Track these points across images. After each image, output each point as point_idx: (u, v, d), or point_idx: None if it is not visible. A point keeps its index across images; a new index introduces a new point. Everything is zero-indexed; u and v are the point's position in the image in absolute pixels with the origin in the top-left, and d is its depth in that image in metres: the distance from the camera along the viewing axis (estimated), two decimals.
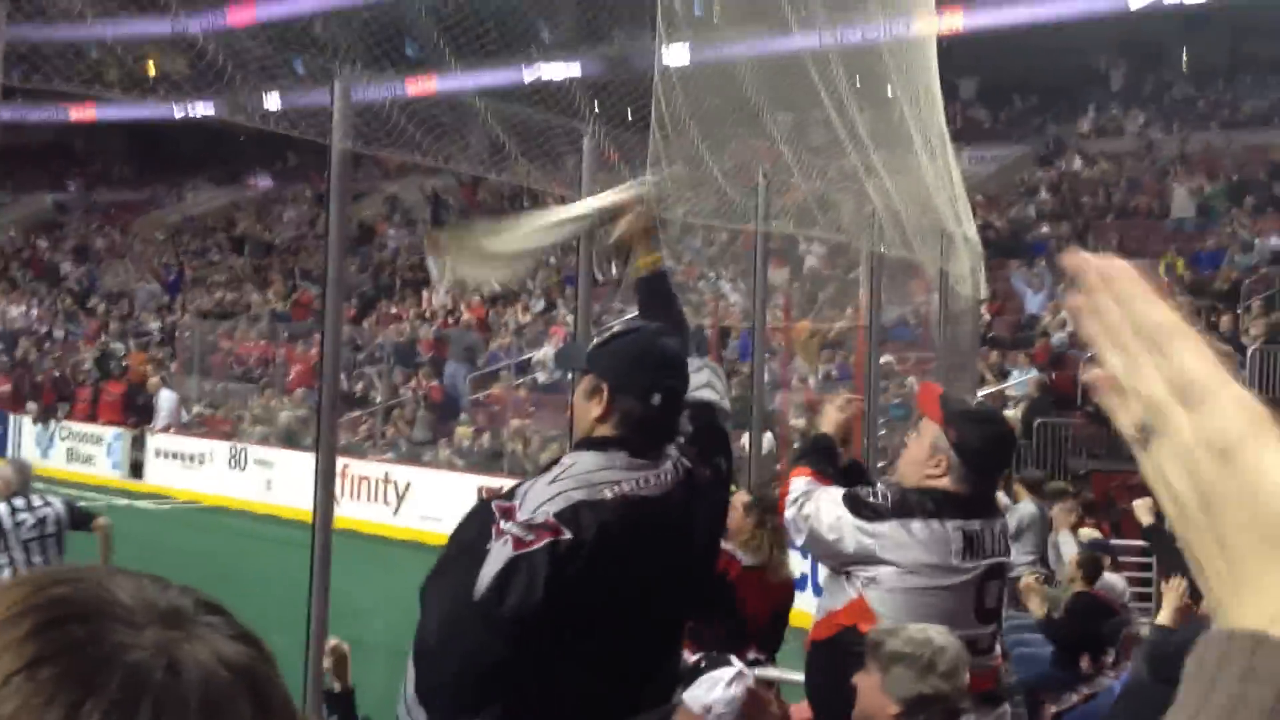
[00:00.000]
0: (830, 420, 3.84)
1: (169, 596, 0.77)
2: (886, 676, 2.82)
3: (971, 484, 3.42)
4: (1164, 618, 5.85)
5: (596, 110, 8.00)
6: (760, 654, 4.98)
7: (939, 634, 2.87)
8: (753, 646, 4.94)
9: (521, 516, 2.44)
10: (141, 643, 0.72)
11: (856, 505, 3.40)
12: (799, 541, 3.57)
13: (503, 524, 2.44)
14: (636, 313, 3.36)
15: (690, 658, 4.21)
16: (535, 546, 2.41)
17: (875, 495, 3.44)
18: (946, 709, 2.81)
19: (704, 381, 2.98)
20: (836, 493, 3.48)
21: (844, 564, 3.43)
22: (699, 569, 2.87)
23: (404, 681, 2.44)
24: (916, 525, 3.34)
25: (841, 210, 10.06)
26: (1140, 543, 11.35)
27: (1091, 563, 8.14)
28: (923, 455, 3.47)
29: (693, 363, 2.90)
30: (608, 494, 2.52)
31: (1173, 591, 5.84)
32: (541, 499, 2.48)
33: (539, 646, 2.43)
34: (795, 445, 14.53)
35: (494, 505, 2.50)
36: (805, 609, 4.93)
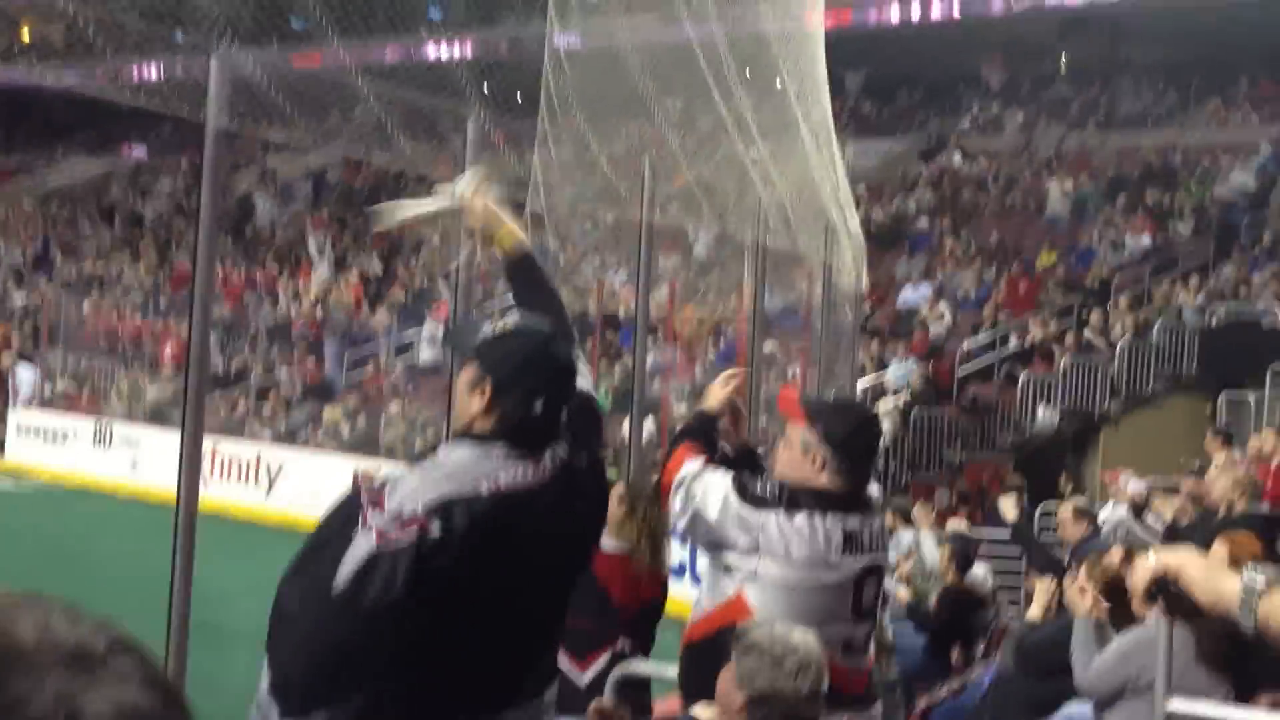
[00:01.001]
0: (715, 396, 3.80)
1: (78, 634, 0.72)
2: (739, 665, 2.82)
3: (847, 476, 3.42)
4: (1033, 613, 5.99)
5: (485, 92, 7.92)
6: (629, 644, 4.91)
7: (800, 635, 2.86)
8: (620, 637, 4.87)
9: (390, 507, 2.36)
10: (42, 693, 0.67)
11: (744, 491, 3.38)
12: (682, 523, 3.52)
13: (370, 515, 2.35)
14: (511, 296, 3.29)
15: (577, 671, 4.13)
16: (400, 541, 2.33)
17: (762, 486, 3.42)
18: (786, 710, 2.79)
19: (578, 370, 2.93)
20: (724, 476, 3.45)
21: (724, 550, 3.39)
22: (578, 559, 2.83)
23: (258, 677, 2.35)
24: (800, 518, 3.33)
25: (727, 199, 10.08)
26: (1005, 534, 11.63)
27: (961, 555, 8.30)
28: (796, 457, 3.46)
29: None
30: (483, 488, 2.46)
31: (1042, 589, 5.98)
32: (412, 492, 2.40)
33: (401, 640, 2.35)
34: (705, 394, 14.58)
35: (364, 492, 2.42)
36: (684, 598, 4.88)
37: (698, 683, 3.39)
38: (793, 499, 3.35)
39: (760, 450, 10.20)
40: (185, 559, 4.59)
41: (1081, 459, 14.40)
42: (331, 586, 2.29)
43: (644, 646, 5.01)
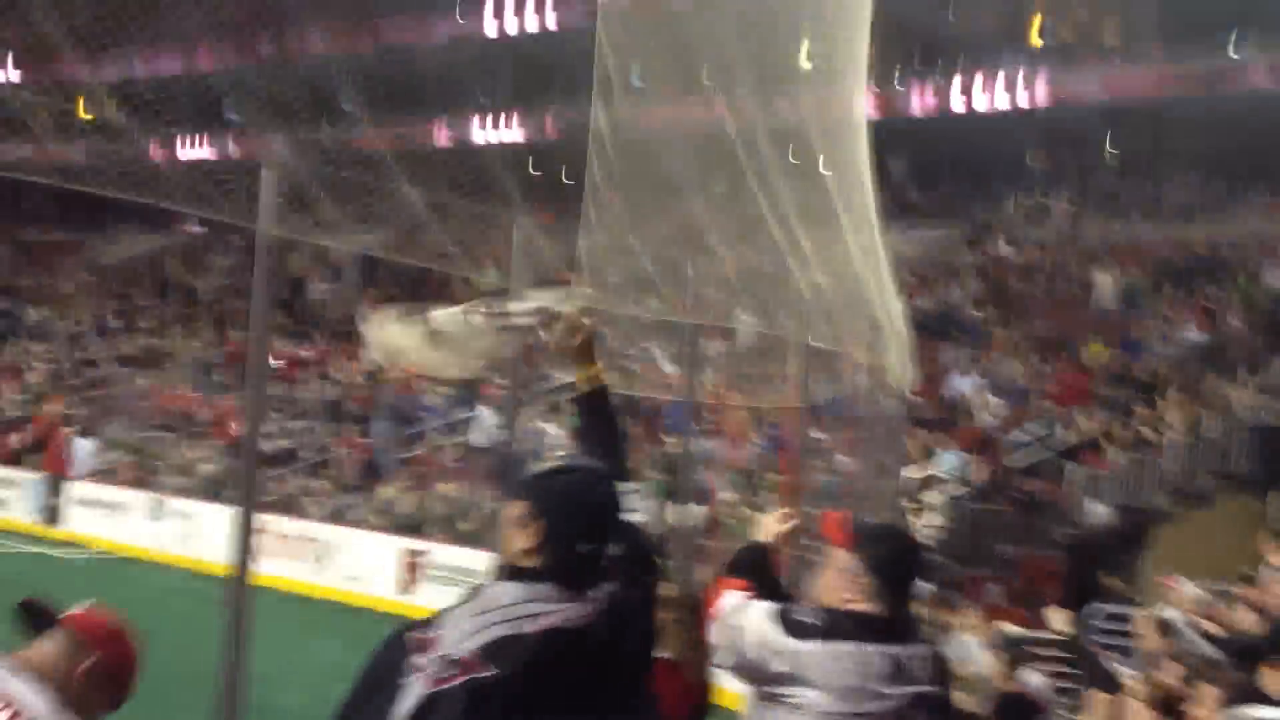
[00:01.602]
0: (768, 531, 3.81)
1: None
2: None
3: (889, 604, 3.40)
4: None
5: (532, 171, 8.03)
6: None
7: None
8: None
9: (441, 650, 2.40)
10: None
11: (786, 620, 3.35)
12: (726, 659, 3.48)
13: (418, 659, 2.40)
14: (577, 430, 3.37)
15: None
16: (454, 683, 2.36)
17: (804, 614, 3.39)
18: None
19: (631, 505, 2.94)
20: (766, 606, 3.43)
21: (768, 682, 3.35)
22: (629, 692, 2.80)
23: None
24: (845, 647, 3.29)
25: (769, 291, 10.15)
26: (1060, 633, 11.51)
27: (1014, 655, 8.21)
28: (837, 582, 3.45)
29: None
30: (530, 628, 2.47)
31: (1101, 705, 5.90)
32: (463, 632, 2.44)
33: None
34: (723, 521, 14.59)
35: (408, 637, 2.45)
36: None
37: None
38: (836, 627, 3.32)
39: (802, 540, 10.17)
40: (237, 633, 4.67)
41: (1134, 557, 14.28)
42: None
43: None
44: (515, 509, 2.64)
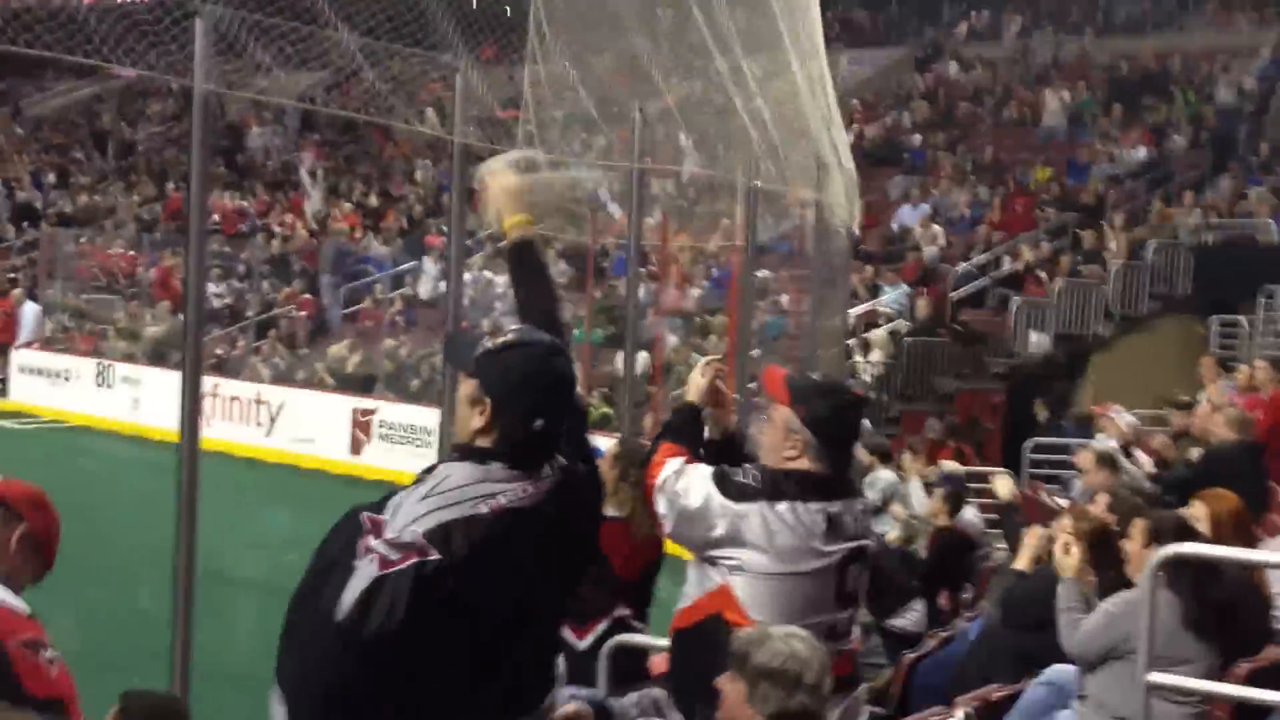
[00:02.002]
0: (695, 386, 3.76)
1: None
2: (752, 690, 2.82)
3: (829, 461, 3.43)
4: (1020, 563, 6.01)
5: (474, 6, 7.82)
6: (630, 610, 5.00)
7: (804, 644, 2.87)
8: (621, 602, 4.95)
9: (390, 534, 2.39)
10: None
11: (725, 484, 3.37)
12: (668, 525, 3.49)
13: (370, 541, 2.39)
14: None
15: (573, 638, 4.20)
16: (400, 566, 2.36)
17: (744, 475, 3.41)
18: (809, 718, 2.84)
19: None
20: (706, 470, 3.44)
21: (709, 546, 3.39)
22: (578, 566, 2.82)
23: (270, 702, 2.42)
24: (782, 507, 3.32)
25: (714, 126, 9.97)
26: (998, 469, 11.71)
27: (954, 497, 8.28)
28: (778, 439, 3.46)
29: None
30: (483, 509, 2.47)
31: (1032, 538, 5.98)
32: (412, 516, 2.43)
33: (405, 668, 2.38)
34: (670, 368, 14.63)
35: (363, 517, 2.44)
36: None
37: (686, 669, 3.50)
38: (775, 488, 3.35)
39: (750, 385, 10.20)
40: (189, 504, 4.71)
41: (1072, 384, 14.46)
42: (335, 614, 2.34)
43: (644, 605, 5.13)
44: (466, 387, 2.63)
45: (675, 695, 3.68)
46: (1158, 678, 4.33)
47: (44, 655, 2.94)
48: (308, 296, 19.21)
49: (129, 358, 18.46)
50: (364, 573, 2.36)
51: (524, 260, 3.18)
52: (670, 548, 5.03)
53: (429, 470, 2.60)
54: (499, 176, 3.26)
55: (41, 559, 3.19)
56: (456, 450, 2.64)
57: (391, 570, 2.36)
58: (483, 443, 2.58)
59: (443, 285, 17.71)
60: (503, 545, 2.46)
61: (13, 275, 21.63)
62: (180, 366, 4.98)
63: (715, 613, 3.35)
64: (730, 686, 2.87)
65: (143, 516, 8.26)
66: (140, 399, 17.18)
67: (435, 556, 2.38)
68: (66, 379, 18.43)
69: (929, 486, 9.45)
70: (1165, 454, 9.94)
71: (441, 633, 2.41)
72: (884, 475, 9.62)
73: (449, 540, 2.40)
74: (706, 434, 3.82)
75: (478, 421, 2.58)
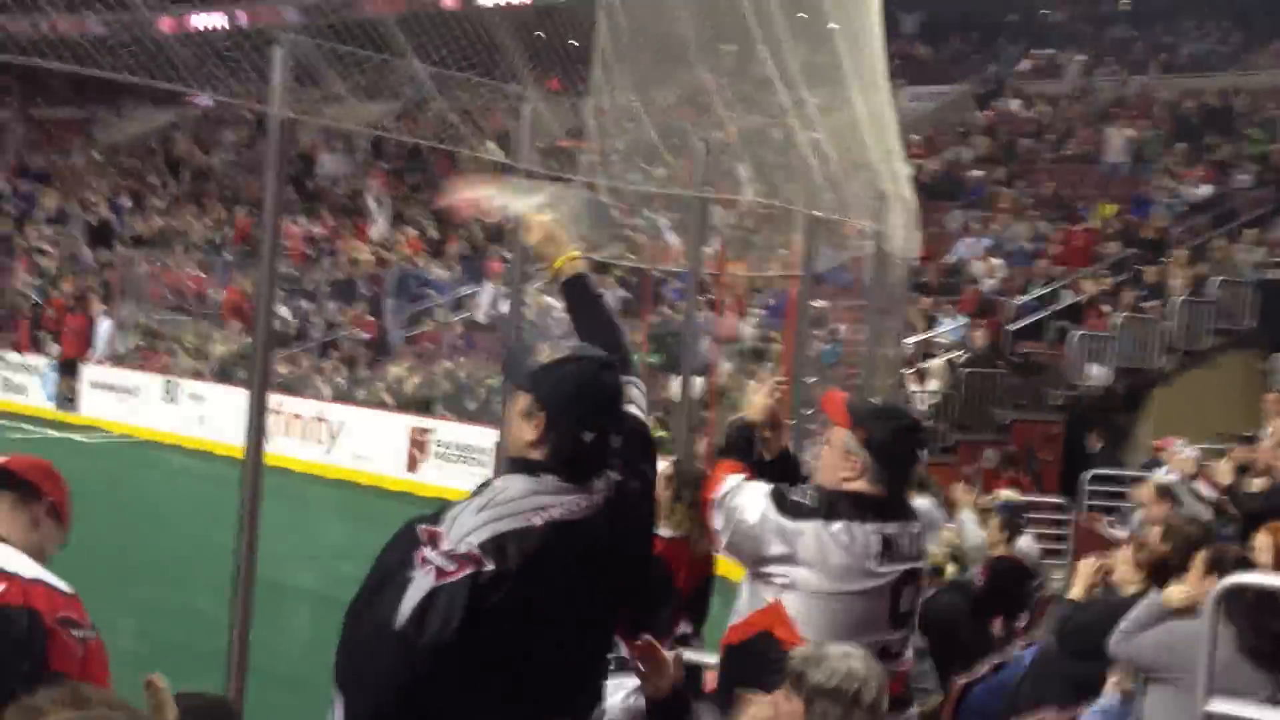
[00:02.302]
0: (756, 407, 3.82)
1: None
2: (810, 710, 2.80)
3: (886, 484, 3.46)
4: (1076, 592, 6.00)
5: (542, 35, 7.94)
6: (689, 627, 5.03)
7: (860, 662, 2.85)
8: (682, 619, 4.99)
9: (446, 545, 2.46)
10: None
11: (782, 501, 3.41)
12: (724, 540, 3.53)
13: (427, 552, 2.45)
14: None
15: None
16: (456, 577, 2.42)
17: (801, 494, 3.45)
18: None
19: (629, 396, 2.96)
20: (764, 487, 3.48)
21: (763, 562, 3.42)
22: (630, 580, 2.83)
23: (330, 713, 2.48)
24: (837, 527, 3.35)
25: (777, 164, 10.05)
26: (1054, 499, 11.67)
27: (1012, 525, 8.28)
28: (836, 460, 3.49)
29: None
30: (536, 521, 2.52)
31: (1086, 567, 5.97)
32: (468, 528, 2.49)
33: (460, 676, 2.44)
34: (723, 393, 14.70)
35: (419, 529, 2.51)
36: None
37: (736, 684, 3.48)
38: (831, 507, 3.38)
39: (807, 412, 10.22)
40: (251, 514, 4.80)
41: (1133, 419, 14.34)
42: (393, 623, 2.40)
43: (701, 619, 5.19)
44: (520, 401, 2.67)
45: (722, 709, 3.66)
46: (1217, 706, 4.31)
47: (75, 634, 2.96)
48: (370, 319, 19.50)
49: (196, 375, 18.83)
50: (420, 584, 2.42)
51: (578, 295, 3.22)
52: (722, 567, 5.11)
53: (485, 484, 2.67)
54: (537, 219, 3.30)
55: (63, 528, 3.23)
56: (510, 464, 2.70)
57: (447, 581, 2.42)
58: (535, 455, 2.63)
59: (501, 308, 17.94)
60: (555, 556, 2.51)
61: (86, 295, 22.09)
62: (246, 384, 5.06)
63: (766, 629, 3.39)
64: (786, 705, 2.85)
65: (205, 526, 8.44)
66: (205, 415, 17.52)
67: (490, 567, 2.44)
68: (135, 395, 18.83)
69: (985, 514, 9.43)
70: (1227, 488, 9.84)
71: (496, 641, 2.46)
72: (919, 504, 9.57)
73: (503, 551, 2.46)
74: (762, 454, 3.86)
75: (530, 434, 2.62)
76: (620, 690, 4.05)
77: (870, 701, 2.80)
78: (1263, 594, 4.48)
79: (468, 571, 2.42)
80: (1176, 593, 4.72)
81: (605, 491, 2.65)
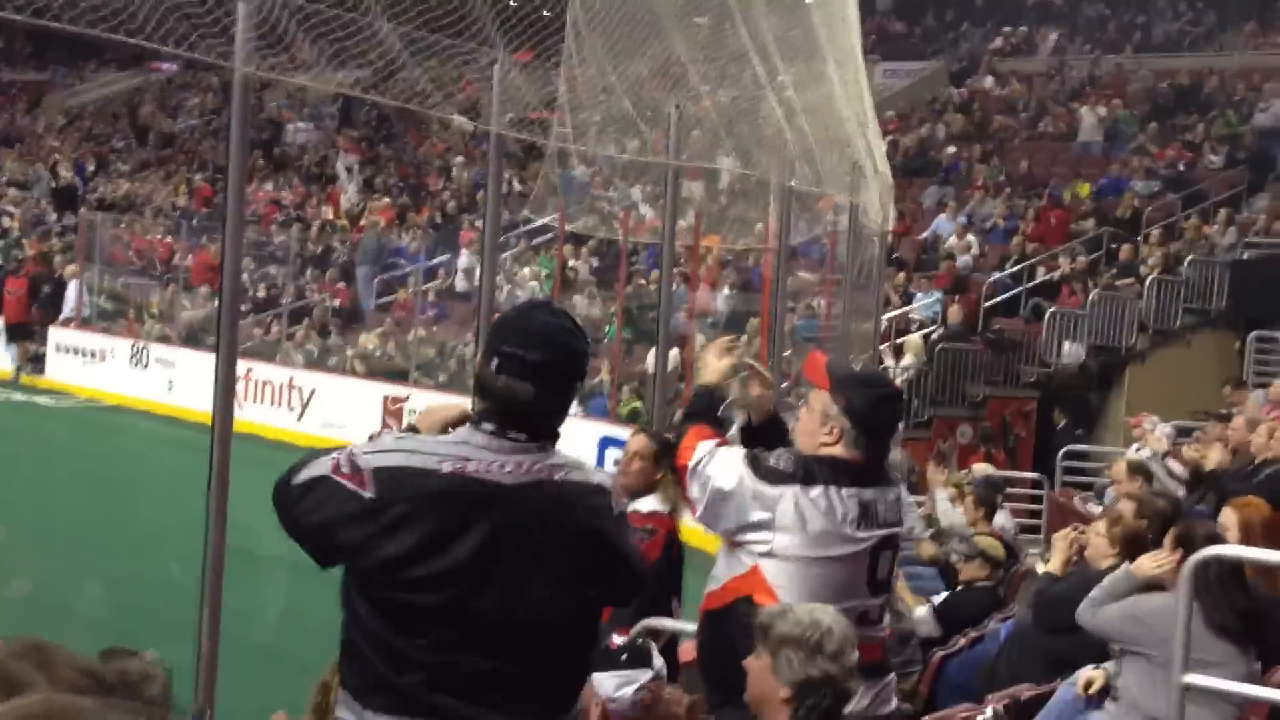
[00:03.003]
0: (711, 369, 3.74)
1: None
2: (775, 660, 2.83)
3: (864, 450, 3.42)
4: (1052, 566, 6.01)
5: (512, 3, 7.84)
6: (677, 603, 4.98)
7: (826, 615, 2.88)
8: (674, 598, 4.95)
9: (361, 450, 2.47)
10: None
11: (757, 467, 3.37)
12: (699, 509, 3.48)
13: (353, 445, 2.48)
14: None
15: (617, 639, 4.19)
16: (339, 480, 2.42)
17: (777, 459, 3.41)
18: (835, 690, 2.84)
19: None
20: (739, 453, 3.45)
21: (741, 529, 3.38)
22: (586, 594, 2.59)
23: None
24: (815, 492, 3.33)
25: (750, 131, 10.01)
26: (1031, 474, 11.73)
27: (989, 500, 8.31)
28: (814, 425, 3.46)
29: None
30: (445, 467, 2.42)
31: (1062, 541, 5.99)
32: (383, 448, 2.47)
33: (360, 583, 2.45)
34: (698, 365, 14.70)
35: (380, 430, 2.53)
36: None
37: (715, 650, 3.51)
38: (809, 472, 3.35)
39: (784, 385, 10.17)
40: (221, 481, 4.74)
41: (1106, 396, 14.44)
42: (290, 478, 2.48)
43: (676, 592, 5.15)
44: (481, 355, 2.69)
45: (703, 676, 3.67)
46: (1192, 679, 4.33)
47: None
48: (341, 285, 19.35)
49: (164, 340, 18.63)
50: (322, 464, 2.45)
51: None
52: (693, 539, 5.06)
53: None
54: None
55: None
56: (477, 417, 2.59)
57: (333, 478, 2.42)
58: (478, 407, 2.55)
59: (475, 277, 17.85)
60: (455, 509, 2.42)
61: (53, 260, 21.79)
62: (215, 349, 4.99)
63: (745, 595, 3.35)
64: (755, 663, 2.88)
65: (174, 493, 8.34)
66: (175, 380, 17.34)
67: (368, 494, 2.39)
68: (102, 359, 18.60)
69: (960, 491, 9.46)
70: (1199, 464, 9.92)
71: (387, 568, 2.40)
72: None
73: (395, 484, 2.40)
74: (750, 419, 3.82)
75: (476, 388, 2.56)
76: (629, 685, 4.01)
77: (833, 651, 2.81)
78: (1231, 569, 4.50)
79: (347, 484, 2.41)
80: (1147, 561, 4.76)
81: (543, 476, 2.49)
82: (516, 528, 2.45)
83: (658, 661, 4.14)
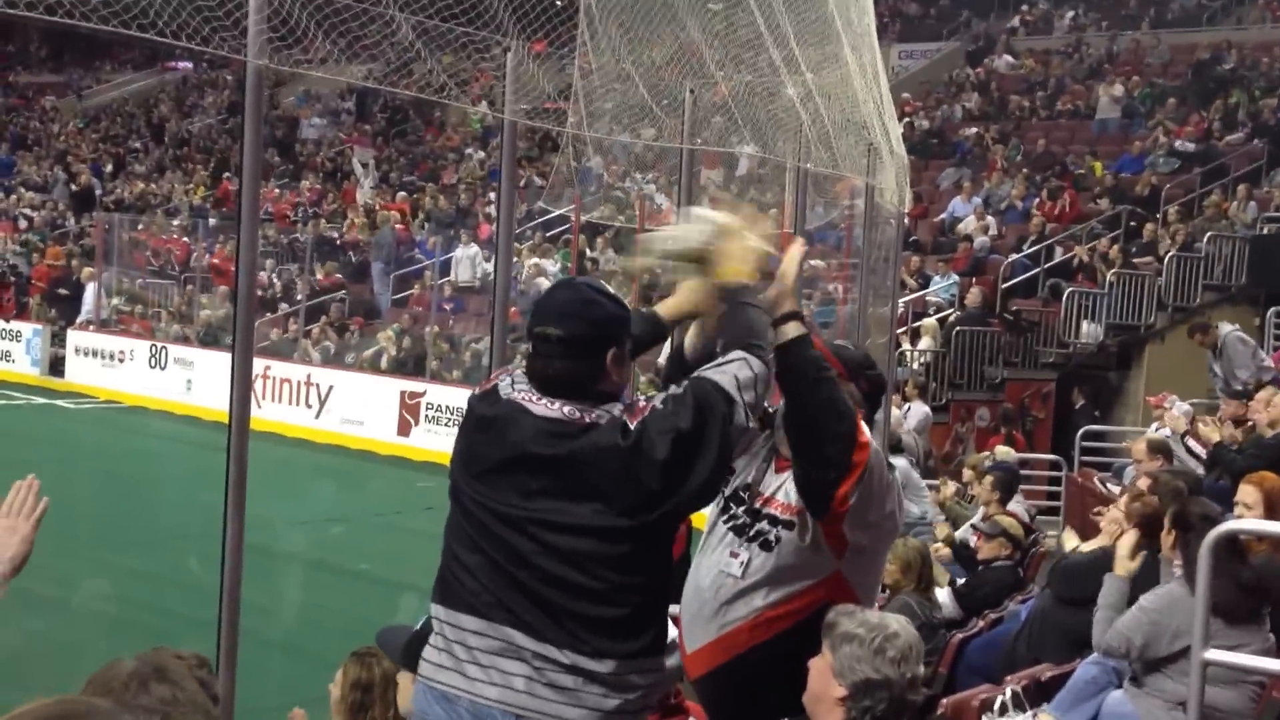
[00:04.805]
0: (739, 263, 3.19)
1: None
2: (837, 657, 2.75)
3: (870, 431, 3.32)
4: (1071, 543, 5.98)
5: None
6: None
7: (896, 621, 2.80)
8: None
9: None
10: None
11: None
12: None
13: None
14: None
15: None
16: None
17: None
18: (893, 698, 2.71)
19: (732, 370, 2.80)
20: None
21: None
22: (590, 516, 2.67)
23: None
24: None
25: (766, 116, 9.96)
26: (1049, 456, 11.65)
27: (1006, 484, 8.25)
28: None
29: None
30: (502, 388, 2.79)
31: (1112, 525, 5.93)
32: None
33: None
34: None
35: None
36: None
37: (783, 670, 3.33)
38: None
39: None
40: (238, 482, 4.74)
41: (1125, 376, 14.32)
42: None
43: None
44: None
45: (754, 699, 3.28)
46: (1213, 655, 4.27)
47: None
48: (357, 283, 19.36)
49: (183, 340, 18.69)
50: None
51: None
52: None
53: None
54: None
55: None
56: None
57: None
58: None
59: (483, 270, 17.84)
60: (486, 420, 2.79)
61: (71, 261, 21.91)
62: (233, 348, 4.99)
63: (827, 600, 3.09)
64: (818, 661, 2.79)
65: (194, 492, 8.38)
66: (193, 380, 17.39)
67: (476, 392, 2.91)
68: (121, 361, 18.68)
69: (980, 474, 9.40)
70: (1217, 443, 9.83)
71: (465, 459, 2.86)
72: (919, 407, 9.58)
73: (487, 391, 2.85)
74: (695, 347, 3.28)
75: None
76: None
77: (895, 656, 2.72)
78: (1232, 546, 4.46)
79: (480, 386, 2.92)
80: (1122, 547, 4.80)
81: (519, 400, 2.74)
82: (502, 445, 2.84)
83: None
